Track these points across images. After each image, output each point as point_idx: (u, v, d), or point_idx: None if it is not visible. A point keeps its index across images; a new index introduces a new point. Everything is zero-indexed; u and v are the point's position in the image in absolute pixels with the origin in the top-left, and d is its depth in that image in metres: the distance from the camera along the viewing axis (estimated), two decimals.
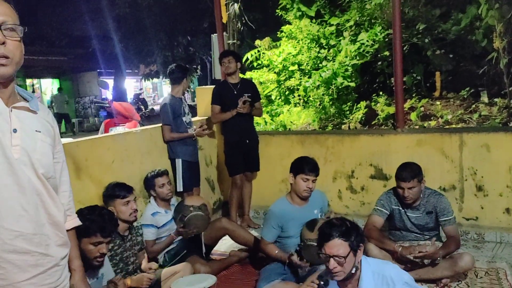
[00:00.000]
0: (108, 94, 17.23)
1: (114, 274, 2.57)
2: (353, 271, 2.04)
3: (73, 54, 19.17)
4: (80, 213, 1.73)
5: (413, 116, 6.72)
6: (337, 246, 2.02)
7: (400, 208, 3.19)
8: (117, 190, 2.93)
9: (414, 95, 7.45)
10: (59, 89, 18.05)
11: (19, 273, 1.30)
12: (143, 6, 15.30)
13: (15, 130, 1.32)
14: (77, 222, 1.65)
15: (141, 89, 25.92)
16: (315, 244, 2.85)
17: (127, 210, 2.85)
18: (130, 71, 23.44)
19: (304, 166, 3.11)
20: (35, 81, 19.48)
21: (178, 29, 17.16)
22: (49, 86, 20.04)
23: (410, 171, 3.05)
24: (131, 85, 27.68)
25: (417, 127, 6.54)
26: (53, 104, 16.30)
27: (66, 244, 1.49)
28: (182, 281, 2.80)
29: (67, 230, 1.53)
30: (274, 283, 2.96)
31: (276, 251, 3.15)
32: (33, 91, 18.36)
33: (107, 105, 5.89)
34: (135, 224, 3.05)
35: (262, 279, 3.03)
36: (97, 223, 2.24)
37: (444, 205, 3.09)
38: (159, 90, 34.51)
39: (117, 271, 2.75)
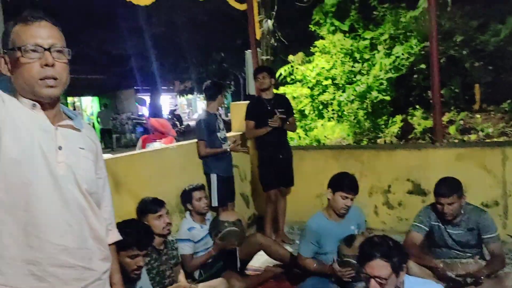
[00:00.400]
0: (145, 110, 17.73)
1: None
2: None
3: (112, 73, 19.89)
4: (117, 227, 1.78)
5: (452, 129, 6.54)
6: (379, 267, 1.97)
7: (440, 225, 3.09)
8: (148, 205, 2.98)
9: (452, 108, 7.27)
10: (105, 105, 18.72)
11: (63, 287, 1.33)
12: (178, 25, 15.74)
13: (60, 148, 1.37)
14: (118, 236, 1.69)
15: (176, 105, 26.50)
16: (353, 260, 2.83)
17: (160, 224, 2.89)
18: (166, 87, 24.08)
19: (344, 183, 3.08)
20: (76, 99, 20.29)
21: (212, 46, 17.54)
22: (89, 104, 20.82)
23: (449, 186, 2.96)
24: (167, 101, 28.37)
25: (456, 141, 6.36)
26: (98, 119, 16.86)
27: (108, 258, 1.52)
28: None
29: (108, 245, 1.57)
30: None
31: (315, 265, 3.12)
32: (74, 109, 19.14)
33: (144, 121, 6.06)
34: (170, 238, 3.09)
35: None
36: (133, 236, 2.29)
37: (487, 221, 2.97)
38: (193, 106, 35.17)
39: (154, 285, 2.79)
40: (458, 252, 3.06)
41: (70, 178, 1.38)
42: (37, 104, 1.36)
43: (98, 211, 1.49)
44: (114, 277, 1.61)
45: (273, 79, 4.55)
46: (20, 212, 1.29)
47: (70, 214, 1.36)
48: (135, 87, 20.87)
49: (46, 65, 1.32)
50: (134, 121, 16.81)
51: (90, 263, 1.41)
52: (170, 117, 18.33)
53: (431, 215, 3.11)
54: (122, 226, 2.25)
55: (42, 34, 1.33)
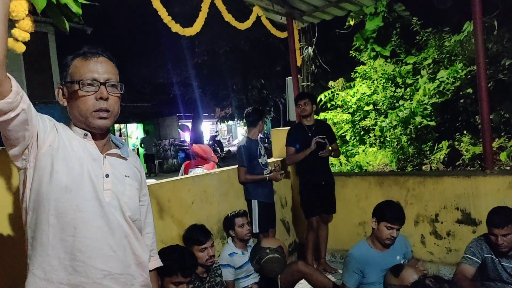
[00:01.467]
0: (186, 136, 18.15)
1: None
2: None
3: (156, 100, 20.61)
4: (162, 252, 1.79)
5: (503, 156, 6.23)
6: None
7: (494, 257, 2.92)
8: (194, 236, 2.98)
9: (502, 134, 6.95)
10: (147, 132, 19.39)
11: None
12: (220, 53, 16.17)
13: (107, 176, 1.43)
14: (159, 263, 1.72)
15: (217, 131, 26.94)
16: None
17: (204, 256, 2.89)
18: (207, 114, 24.60)
19: (390, 214, 2.98)
20: (122, 125, 21.07)
21: (252, 73, 17.87)
22: (134, 130, 21.57)
23: (504, 216, 2.81)
24: (207, 127, 28.91)
25: (508, 168, 6.05)
26: (142, 145, 17.42)
27: (149, 285, 1.54)
28: None
29: (150, 271, 1.59)
30: None
31: None
32: (120, 135, 19.86)
33: (187, 147, 6.19)
34: (214, 264, 3.09)
35: None
36: (178, 263, 2.31)
37: None
38: (233, 132, 35.64)
39: None
40: None
41: (115, 205, 1.42)
42: (88, 133, 1.44)
43: (141, 237, 1.53)
44: None
45: (314, 106, 4.56)
46: (68, 237, 1.34)
47: (114, 240, 1.40)
48: (177, 114, 21.47)
49: (101, 98, 1.40)
50: (177, 147, 17.21)
51: None
52: (211, 143, 18.63)
53: (483, 246, 2.96)
54: (167, 252, 2.28)
55: (99, 69, 1.42)
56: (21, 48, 1.74)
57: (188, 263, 2.38)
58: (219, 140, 21.72)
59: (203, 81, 17.94)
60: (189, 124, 19.53)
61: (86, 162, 1.40)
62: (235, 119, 23.99)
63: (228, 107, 22.03)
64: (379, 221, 3.00)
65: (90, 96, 1.40)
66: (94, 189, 1.39)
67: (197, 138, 18.90)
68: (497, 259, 2.90)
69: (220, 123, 26.31)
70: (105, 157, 1.46)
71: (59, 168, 1.35)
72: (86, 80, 1.40)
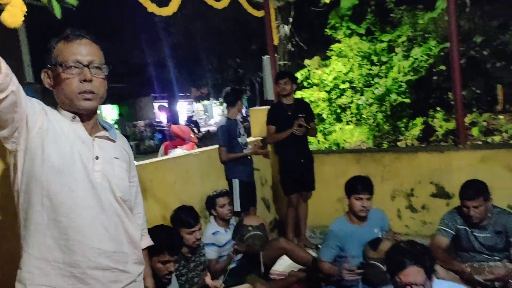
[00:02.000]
0: (163, 117, 17.99)
1: None
2: None
3: (131, 81, 20.25)
4: (150, 232, 1.82)
5: (475, 131, 6.47)
6: (414, 274, 1.97)
7: (467, 228, 3.06)
8: (184, 218, 2.98)
9: (474, 110, 7.18)
10: (120, 115, 19.15)
11: None
12: (195, 33, 15.95)
13: (97, 158, 1.45)
14: (150, 241, 1.76)
15: (193, 111, 26.73)
16: (379, 263, 2.83)
17: (191, 239, 2.92)
18: (183, 94, 24.34)
19: (356, 185, 3.12)
20: None
21: (228, 52, 17.70)
22: (109, 112, 21.21)
23: (475, 189, 2.94)
24: (183, 107, 28.65)
25: (479, 142, 6.28)
26: (115, 126, 17.18)
27: (142, 262, 1.59)
28: None
29: (142, 249, 1.63)
30: None
31: (332, 270, 3.13)
32: None
33: (166, 128, 6.16)
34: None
35: None
36: (165, 242, 2.34)
37: None
38: (209, 112, 35.41)
39: None
40: (486, 256, 3.02)
41: (106, 186, 1.45)
42: (77, 116, 1.45)
43: (132, 217, 1.56)
44: (147, 281, 1.67)
45: (294, 85, 4.59)
46: (62, 217, 1.36)
47: (107, 219, 1.43)
48: (153, 95, 21.18)
49: (85, 80, 1.40)
50: (155, 128, 17.06)
51: (125, 266, 1.48)
52: (187, 123, 18.51)
53: (457, 218, 3.09)
54: (153, 232, 2.30)
55: (82, 51, 1.42)
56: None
57: (175, 242, 2.42)
58: (196, 121, 21.58)
59: (179, 61, 17.71)
60: (166, 105, 19.35)
61: (76, 145, 1.42)
62: (211, 99, 23.87)
63: (204, 87, 21.86)
64: (349, 195, 3.13)
65: (74, 78, 1.40)
66: (85, 171, 1.41)
67: (173, 119, 18.75)
68: (470, 230, 3.05)
69: (196, 103, 26.13)
70: (94, 139, 1.48)
71: (50, 150, 1.36)
72: (69, 63, 1.40)
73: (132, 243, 1.52)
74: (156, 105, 20.20)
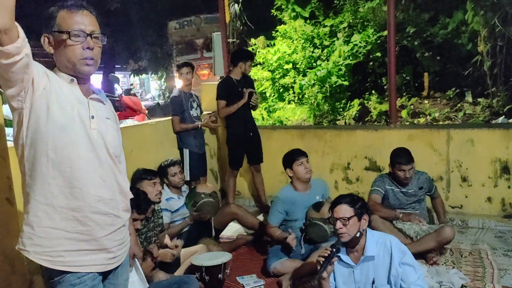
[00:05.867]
0: (118, 88, 17.35)
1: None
2: (357, 235, 2.37)
3: None
4: None
5: (404, 113, 7.12)
6: (343, 210, 2.40)
7: (394, 188, 3.66)
8: (144, 173, 3.26)
9: (404, 94, 7.86)
10: None
11: (99, 230, 1.60)
12: (133, 1, 15.42)
13: (92, 117, 1.62)
14: (130, 195, 1.95)
15: (131, 84, 25.96)
16: (320, 222, 3.22)
17: (154, 191, 3.15)
18: (119, 66, 23.44)
19: (293, 155, 3.52)
20: None
21: (168, 25, 17.30)
22: None
23: (407, 155, 3.54)
24: (120, 80, 27.61)
25: (407, 123, 6.93)
26: None
27: (129, 210, 1.81)
28: (202, 257, 3.10)
29: None
30: (282, 260, 3.29)
31: (278, 233, 3.45)
32: None
33: (117, 98, 6.13)
34: (156, 207, 3.33)
35: (271, 257, 3.35)
36: (133, 201, 2.51)
37: (429, 179, 3.70)
38: (146, 86, 34.45)
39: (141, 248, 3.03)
40: (410, 209, 3.64)
41: (101, 143, 1.63)
42: (74, 79, 1.61)
43: (122, 170, 1.76)
44: (130, 227, 1.90)
45: (252, 63, 4.84)
46: (66, 168, 1.53)
47: (103, 171, 1.62)
48: None
49: (88, 48, 1.57)
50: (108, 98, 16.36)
51: (118, 212, 1.68)
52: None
53: (385, 181, 3.71)
54: None
55: (85, 21, 1.58)
56: None
57: (143, 201, 2.60)
58: (134, 94, 21.04)
59: (116, 31, 17.00)
60: (101, 76, 18.66)
61: (75, 104, 1.58)
62: (149, 73, 23.29)
63: (142, 60, 21.22)
64: (291, 166, 3.49)
65: (77, 46, 1.56)
66: (84, 128, 1.58)
67: (109, 91, 18.12)
68: (397, 189, 3.63)
69: (134, 76, 25.33)
70: (89, 101, 1.64)
71: (54, 109, 1.51)
72: (74, 31, 1.55)
73: (122, 193, 1.72)
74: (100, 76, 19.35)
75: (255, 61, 9.32)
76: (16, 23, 1.33)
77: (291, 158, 3.50)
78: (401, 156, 3.55)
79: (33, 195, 1.53)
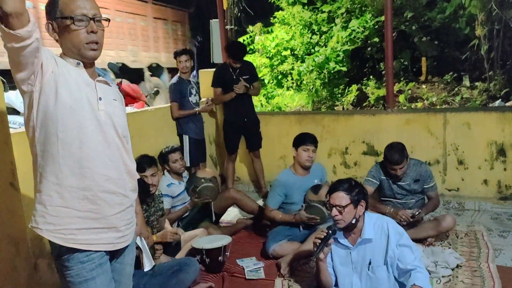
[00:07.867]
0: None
1: None
2: (353, 222, 2.40)
3: None
4: None
5: (401, 98, 7.15)
6: (339, 197, 2.41)
7: (389, 178, 3.59)
8: (139, 164, 3.16)
9: (402, 79, 7.88)
10: None
11: (109, 209, 1.65)
12: None
13: (100, 98, 1.66)
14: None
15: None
16: (318, 204, 3.28)
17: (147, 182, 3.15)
18: None
19: (305, 138, 3.54)
20: None
21: None
22: None
23: (400, 154, 3.36)
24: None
25: (405, 108, 6.96)
26: None
27: (136, 190, 1.85)
28: (202, 240, 3.17)
29: None
30: (281, 243, 3.35)
31: (280, 215, 3.52)
32: None
33: (117, 86, 6.12)
34: (157, 192, 3.37)
35: (270, 240, 3.41)
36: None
37: (427, 173, 3.51)
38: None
39: None
40: (405, 201, 3.57)
41: (109, 123, 1.67)
42: (80, 62, 1.65)
43: (129, 150, 1.81)
44: (137, 208, 1.95)
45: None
46: (76, 149, 1.58)
47: (111, 151, 1.67)
48: None
49: (92, 31, 1.60)
50: None
51: (126, 191, 1.73)
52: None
53: (381, 170, 3.61)
54: None
55: (87, 5, 1.61)
56: None
57: (142, 190, 2.63)
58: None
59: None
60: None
61: (82, 87, 1.62)
62: None
63: None
64: (298, 147, 3.53)
65: (81, 30, 1.59)
66: (92, 110, 1.62)
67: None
68: (391, 180, 3.58)
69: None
70: (95, 83, 1.68)
71: (63, 91, 1.55)
72: (77, 16, 1.58)
73: (128, 173, 1.76)
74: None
75: (253, 47, 9.34)
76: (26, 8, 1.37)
77: (301, 140, 3.53)
78: (390, 155, 3.38)
79: (45, 175, 1.58)
